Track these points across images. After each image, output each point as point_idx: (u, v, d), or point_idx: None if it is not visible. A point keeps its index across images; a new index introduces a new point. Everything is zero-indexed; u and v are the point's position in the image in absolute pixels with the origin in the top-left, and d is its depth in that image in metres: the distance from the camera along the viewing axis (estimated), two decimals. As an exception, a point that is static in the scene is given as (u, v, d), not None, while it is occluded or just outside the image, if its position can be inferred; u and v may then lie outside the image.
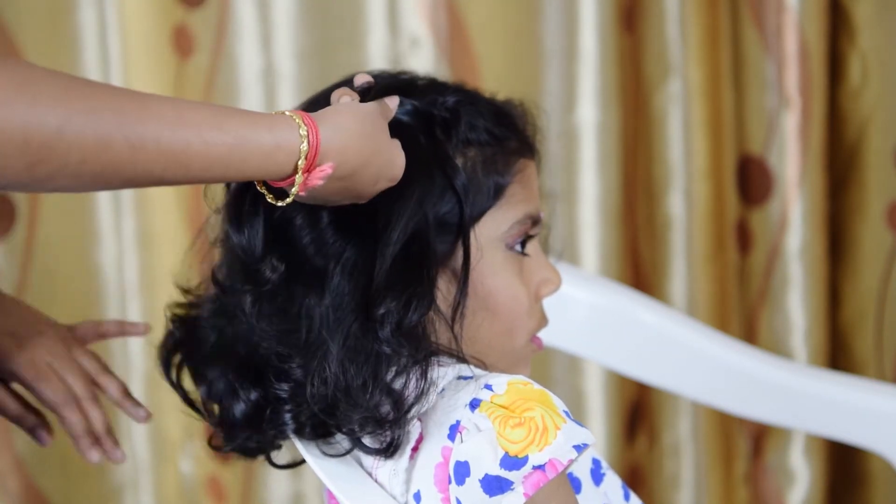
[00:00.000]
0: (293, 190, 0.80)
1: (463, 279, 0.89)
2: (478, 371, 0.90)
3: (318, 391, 0.86)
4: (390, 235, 0.86)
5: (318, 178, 0.80)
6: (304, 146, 0.78)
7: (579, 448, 0.84)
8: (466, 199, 0.89)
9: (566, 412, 0.85)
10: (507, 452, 0.83)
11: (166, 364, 0.98)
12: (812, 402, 1.28)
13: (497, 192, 0.91)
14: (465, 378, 0.88)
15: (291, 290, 0.89)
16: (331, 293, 0.87)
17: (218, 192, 0.95)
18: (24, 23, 1.59)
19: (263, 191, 0.83)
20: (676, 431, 1.75)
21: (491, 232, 0.92)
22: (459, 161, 0.90)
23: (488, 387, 0.86)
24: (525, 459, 0.83)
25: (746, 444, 1.80)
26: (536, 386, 0.86)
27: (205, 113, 0.76)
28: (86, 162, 0.71)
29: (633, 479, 1.77)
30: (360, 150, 0.82)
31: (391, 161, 0.85)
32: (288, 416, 0.89)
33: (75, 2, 1.60)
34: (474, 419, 0.85)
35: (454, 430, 0.85)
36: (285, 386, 0.88)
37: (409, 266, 0.87)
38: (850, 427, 1.28)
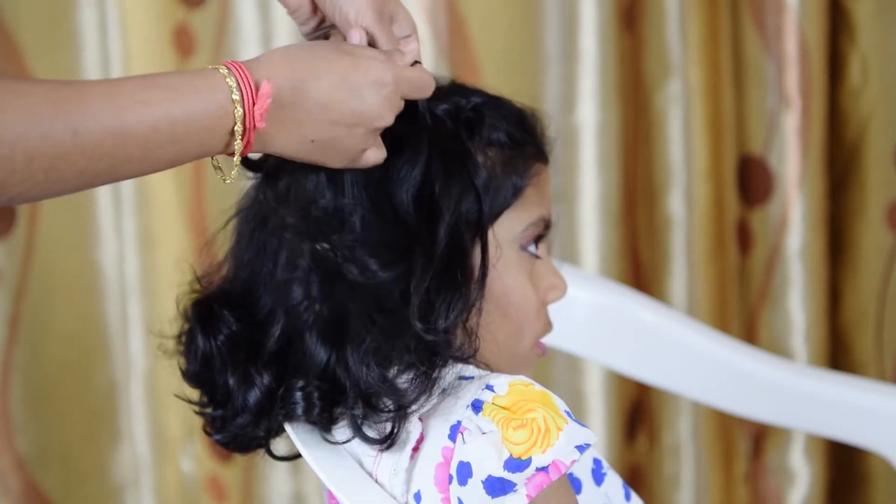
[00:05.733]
0: (236, 144, 0.80)
1: (481, 277, 0.90)
2: (479, 371, 0.90)
3: (344, 380, 0.87)
4: (437, 231, 0.88)
5: (265, 101, 0.79)
6: (231, 80, 0.79)
7: (581, 448, 0.84)
8: (486, 196, 0.91)
9: (567, 412, 0.85)
10: (510, 454, 0.83)
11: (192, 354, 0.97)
12: (812, 402, 1.28)
13: (515, 193, 0.93)
14: (466, 378, 0.89)
15: (327, 284, 0.89)
16: (371, 287, 0.88)
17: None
18: (24, 23, 1.59)
19: (217, 166, 0.84)
20: (676, 431, 1.76)
21: (507, 232, 0.93)
22: (480, 159, 0.92)
23: (489, 387, 0.86)
24: (528, 461, 0.83)
25: (746, 444, 1.80)
26: (538, 387, 0.86)
27: (135, 87, 0.76)
28: (33, 160, 0.71)
29: (634, 479, 1.77)
30: (291, 64, 0.82)
31: (361, 67, 0.83)
32: (299, 394, 0.89)
33: (75, 2, 1.60)
34: (476, 421, 0.85)
35: (455, 431, 0.86)
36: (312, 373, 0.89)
37: (458, 264, 0.88)
38: (850, 427, 1.28)
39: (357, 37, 0.90)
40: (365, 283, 0.88)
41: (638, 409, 1.76)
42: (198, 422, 0.99)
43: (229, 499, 1.74)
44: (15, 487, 1.69)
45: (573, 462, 0.84)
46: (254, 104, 0.79)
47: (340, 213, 0.89)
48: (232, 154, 0.81)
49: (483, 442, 0.84)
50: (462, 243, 0.89)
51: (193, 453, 1.72)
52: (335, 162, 0.86)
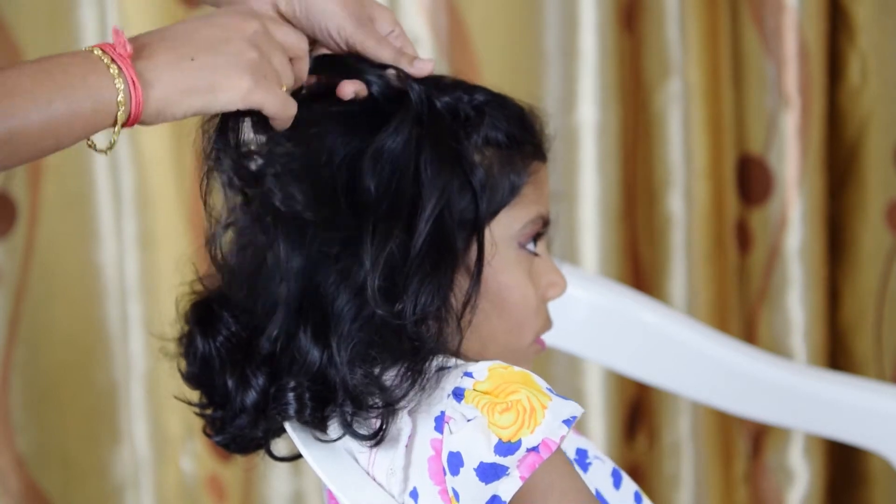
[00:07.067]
0: (120, 87, 0.80)
1: (476, 273, 0.90)
2: (457, 360, 0.90)
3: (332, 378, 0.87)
4: (418, 222, 0.87)
5: (120, 41, 0.80)
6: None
7: (569, 422, 0.84)
8: (483, 194, 0.91)
9: (549, 389, 0.86)
10: (500, 439, 0.83)
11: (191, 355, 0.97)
12: (812, 402, 1.28)
13: (512, 191, 0.93)
14: (446, 369, 0.89)
15: (308, 276, 0.89)
16: (351, 281, 0.88)
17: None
18: (24, 23, 1.59)
19: (91, 144, 0.84)
20: (676, 431, 1.76)
21: (505, 230, 0.93)
22: (477, 158, 0.92)
23: (468, 374, 0.86)
24: (518, 443, 0.83)
25: (746, 443, 1.80)
26: (517, 368, 0.87)
27: (22, 79, 0.77)
28: None
29: (633, 478, 1.76)
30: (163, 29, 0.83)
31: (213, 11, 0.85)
32: (291, 395, 0.90)
33: (75, 2, 1.60)
34: (460, 409, 0.85)
35: (440, 422, 0.86)
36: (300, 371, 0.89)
37: (434, 255, 0.88)
38: (850, 427, 1.28)
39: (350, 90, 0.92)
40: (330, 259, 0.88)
41: (637, 409, 1.76)
42: (198, 422, 1.00)
43: (229, 499, 1.74)
44: (14, 487, 1.69)
45: (563, 437, 0.84)
46: (115, 53, 0.80)
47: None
48: (127, 120, 0.81)
49: (470, 429, 0.84)
50: (443, 235, 0.89)
51: (193, 453, 1.73)
52: (233, 75, 0.83)
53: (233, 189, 0.89)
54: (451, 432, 0.85)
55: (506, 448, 0.83)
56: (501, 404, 0.84)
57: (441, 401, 0.86)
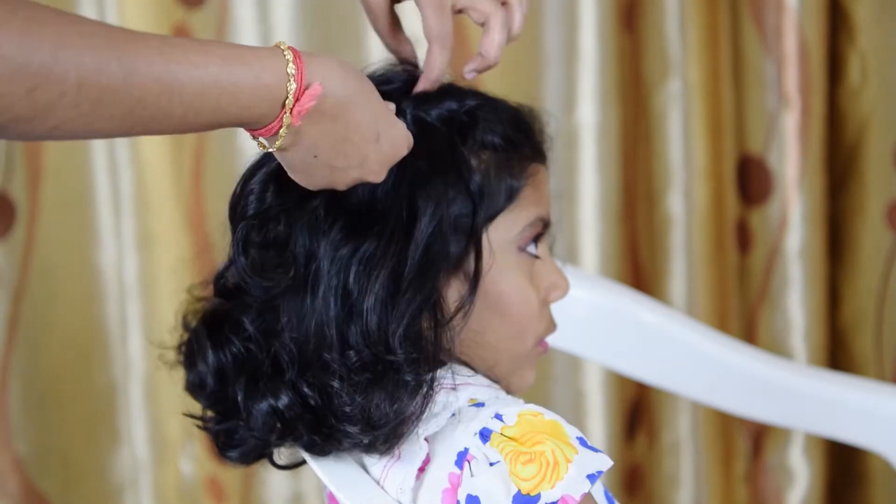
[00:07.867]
0: (285, 121, 0.78)
1: (473, 280, 0.89)
2: (491, 392, 0.89)
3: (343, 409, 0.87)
4: (415, 236, 0.86)
5: (308, 101, 0.79)
6: (291, 68, 0.78)
7: (593, 477, 0.83)
8: (481, 200, 0.90)
9: (580, 439, 0.84)
10: (519, 490, 0.82)
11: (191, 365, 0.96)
12: (812, 402, 1.28)
13: (510, 195, 0.92)
14: (478, 405, 0.88)
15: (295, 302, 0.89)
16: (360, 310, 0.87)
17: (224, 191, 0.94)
18: (24, 23, 1.59)
19: (258, 138, 0.82)
20: (676, 431, 1.76)
21: (503, 234, 0.92)
22: (473, 162, 0.90)
23: (498, 416, 0.85)
24: (537, 497, 0.82)
25: (746, 443, 1.80)
26: (548, 416, 0.85)
27: (190, 48, 0.76)
28: (83, 86, 0.71)
29: (633, 478, 1.77)
30: (344, 80, 0.81)
31: (391, 121, 0.84)
32: (302, 426, 0.89)
33: (75, 2, 1.60)
34: (484, 450, 0.84)
35: (462, 458, 0.85)
36: (314, 394, 0.88)
37: (427, 267, 0.87)
38: (850, 427, 1.28)
39: None
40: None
41: (637, 409, 1.76)
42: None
43: (228, 500, 1.74)
44: (14, 489, 1.69)
45: (583, 495, 0.82)
46: (297, 100, 0.78)
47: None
48: (254, 130, 0.80)
49: (491, 476, 0.83)
50: (440, 249, 0.88)
51: (192, 455, 1.72)
52: (311, 183, 0.85)
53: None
54: (471, 474, 0.84)
55: (524, 501, 0.82)
56: (526, 454, 0.83)
57: (467, 437, 0.85)
